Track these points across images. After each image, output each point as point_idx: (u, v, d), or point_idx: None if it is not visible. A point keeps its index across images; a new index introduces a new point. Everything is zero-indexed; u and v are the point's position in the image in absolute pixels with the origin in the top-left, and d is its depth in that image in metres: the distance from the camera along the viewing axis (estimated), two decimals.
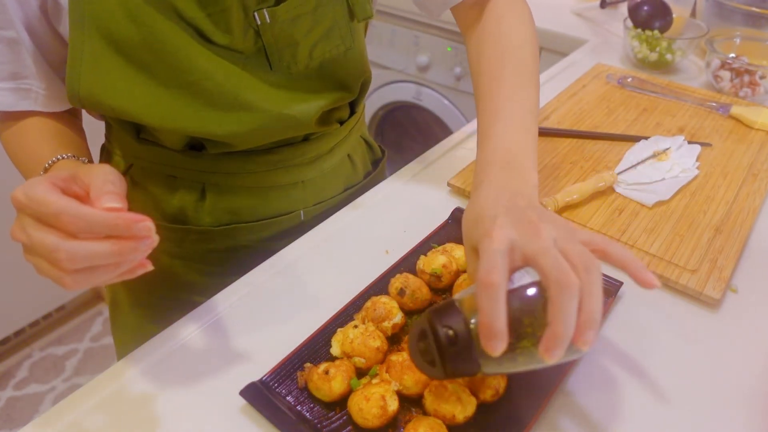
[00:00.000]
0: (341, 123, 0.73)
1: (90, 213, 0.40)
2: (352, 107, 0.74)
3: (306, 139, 0.69)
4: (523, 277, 0.42)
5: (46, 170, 0.57)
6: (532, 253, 0.41)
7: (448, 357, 0.43)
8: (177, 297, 0.73)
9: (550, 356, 0.39)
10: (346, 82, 0.68)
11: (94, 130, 0.74)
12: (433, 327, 0.43)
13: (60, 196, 0.40)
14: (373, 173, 0.83)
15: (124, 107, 0.58)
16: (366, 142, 0.83)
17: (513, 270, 0.42)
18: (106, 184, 0.42)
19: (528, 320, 0.41)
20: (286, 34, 0.59)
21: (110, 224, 0.40)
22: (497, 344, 0.39)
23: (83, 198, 0.42)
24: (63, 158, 0.58)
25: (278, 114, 0.62)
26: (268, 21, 0.58)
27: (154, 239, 0.42)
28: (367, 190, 0.77)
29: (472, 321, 0.42)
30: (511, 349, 0.40)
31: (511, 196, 0.47)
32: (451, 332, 0.42)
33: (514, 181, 0.50)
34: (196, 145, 0.65)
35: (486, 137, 0.57)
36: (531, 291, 0.42)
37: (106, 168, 0.44)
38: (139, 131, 0.65)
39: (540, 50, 1.31)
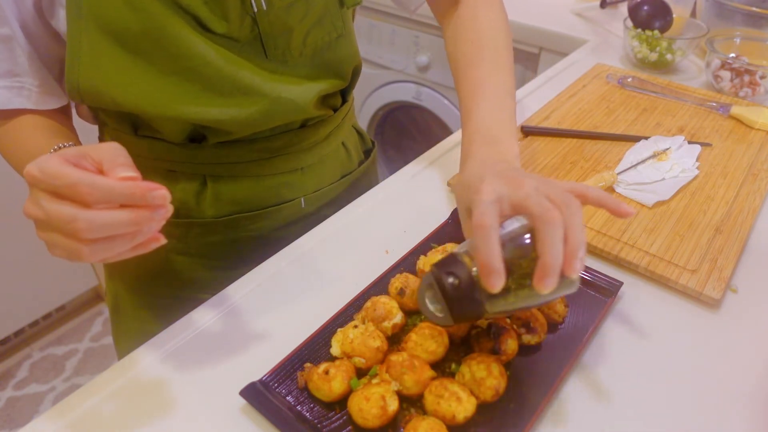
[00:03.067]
0: (334, 110, 0.74)
1: (106, 182, 0.41)
2: (344, 96, 0.76)
3: (303, 125, 0.71)
4: (513, 224, 0.47)
5: None
6: (518, 200, 0.46)
7: (455, 302, 0.46)
8: (180, 295, 0.73)
9: (543, 286, 0.42)
10: (338, 69, 0.69)
11: (87, 134, 0.73)
12: (437, 277, 0.47)
13: (74, 168, 0.41)
14: (366, 162, 0.85)
15: (124, 97, 0.59)
16: (357, 131, 0.86)
17: (503, 219, 0.47)
18: (118, 157, 0.43)
19: (523, 261, 0.45)
20: (281, 21, 0.61)
21: (127, 193, 0.41)
22: (496, 280, 0.42)
23: (94, 174, 0.43)
24: (65, 146, 0.58)
25: (277, 97, 0.63)
26: (265, 8, 0.59)
27: (169, 208, 0.43)
28: (362, 177, 0.80)
29: (474, 269, 0.46)
30: (511, 288, 0.44)
31: (494, 163, 0.54)
32: (455, 279, 0.46)
33: (495, 154, 0.57)
34: (196, 137, 0.66)
35: (468, 117, 0.63)
36: (521, 233, 0.46)
37: (115, 144, 0.45)
38: (137, 128, 0.65)
39: (540, 50, 1.32)
